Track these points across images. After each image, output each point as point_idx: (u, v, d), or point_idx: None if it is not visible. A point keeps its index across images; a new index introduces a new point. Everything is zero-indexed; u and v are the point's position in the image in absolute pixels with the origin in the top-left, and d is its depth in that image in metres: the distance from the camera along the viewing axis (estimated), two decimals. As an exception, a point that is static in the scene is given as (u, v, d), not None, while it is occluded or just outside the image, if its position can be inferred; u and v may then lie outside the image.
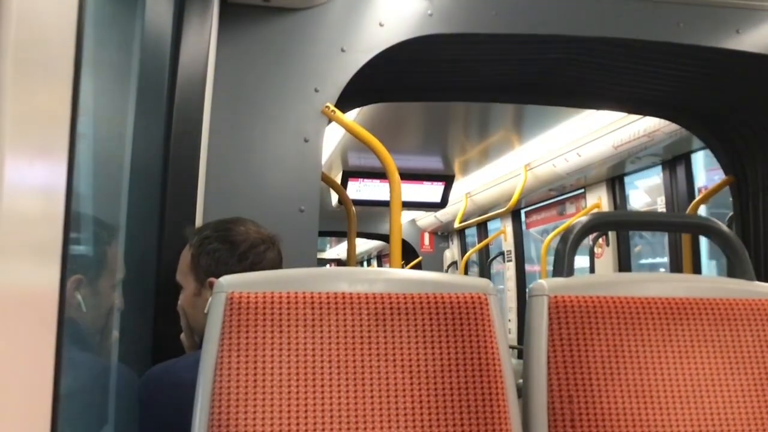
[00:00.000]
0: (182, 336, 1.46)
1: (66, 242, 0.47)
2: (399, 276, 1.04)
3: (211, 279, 1.35)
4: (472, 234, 6.20)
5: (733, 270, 1.20)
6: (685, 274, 2.56)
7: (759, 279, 1.22)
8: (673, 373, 1.05)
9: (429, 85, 2.42)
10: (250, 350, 0.92)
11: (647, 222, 1.60)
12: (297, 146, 1.81)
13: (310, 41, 1.84)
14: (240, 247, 1.40)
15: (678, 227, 2.07)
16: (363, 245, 9.43)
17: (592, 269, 4.10)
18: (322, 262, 12.96)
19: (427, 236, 6.71)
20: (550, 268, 1.17)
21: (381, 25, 1.83)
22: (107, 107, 1.34)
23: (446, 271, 6.50)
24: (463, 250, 6.32)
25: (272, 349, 0.93)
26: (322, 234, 7.68)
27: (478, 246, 5.83)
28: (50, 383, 0.46)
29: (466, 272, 5.99)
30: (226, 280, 0.97)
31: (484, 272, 6.01)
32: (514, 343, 4.92)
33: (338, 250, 12.13)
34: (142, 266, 1.62)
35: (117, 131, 1.39)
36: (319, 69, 1.83)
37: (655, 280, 1.15)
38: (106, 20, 1.27)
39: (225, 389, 0.90)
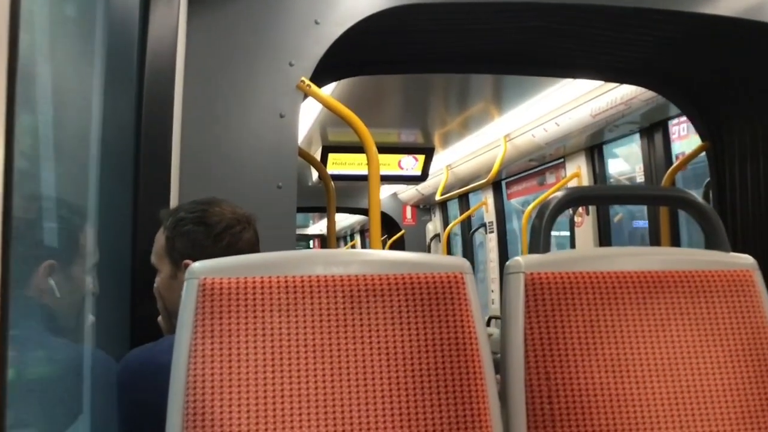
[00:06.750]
0: (159, 319, 1.44)
1: (7, 237, 0.44)
2: (374, 257, 1.03)
3: (187, 261, 1.33)
4: (454, 206, 6.21)
5: (708, 242, 1.20)
6: (660, 247, 2.58)
7: (736, 247, 1.22)
8: (650, 346, 1.05)
9: (406, 57, 2.39)
10: (224, 337, 0.91)
11: (622, 196, 1.61)
12: (273, 122, 1.78)
13: (284, 13, 1.80)
14: (215, 228, 1.38)
15: (652, 200, 2.07)
16: (345, 220, 9.42)
17: (572, 240, 4.12)
18: (306, 238, 12.96)
19: (409, 209, 6.70)
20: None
21: None
22: (72, 87, 1.30)
23: (429, 244, 6.52)
24: (446, 222, 6.33)
25: (247, 335, 0.92)
26: (303, 210, 7.64)
27: (459, 218, 5.84)
28: None
29: (449, 244, 6.00)
30: (197, 266, 0.95)
31: (467, 244, 6.04)
32: (497, 314, 4.97)
33: (321, 226, 12.12)
34: (118, 249, 1.59)
35: (84, 111, 1.35)
36: (293, 42, 1.79)
37: (630, 254, 1.15)
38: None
39: (200, 376, 0.89)
